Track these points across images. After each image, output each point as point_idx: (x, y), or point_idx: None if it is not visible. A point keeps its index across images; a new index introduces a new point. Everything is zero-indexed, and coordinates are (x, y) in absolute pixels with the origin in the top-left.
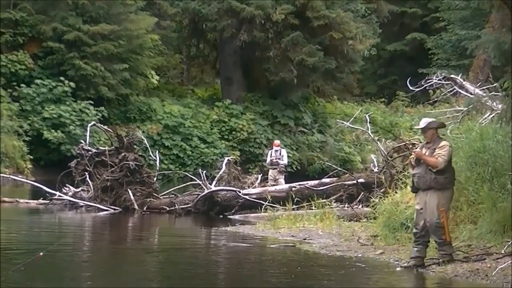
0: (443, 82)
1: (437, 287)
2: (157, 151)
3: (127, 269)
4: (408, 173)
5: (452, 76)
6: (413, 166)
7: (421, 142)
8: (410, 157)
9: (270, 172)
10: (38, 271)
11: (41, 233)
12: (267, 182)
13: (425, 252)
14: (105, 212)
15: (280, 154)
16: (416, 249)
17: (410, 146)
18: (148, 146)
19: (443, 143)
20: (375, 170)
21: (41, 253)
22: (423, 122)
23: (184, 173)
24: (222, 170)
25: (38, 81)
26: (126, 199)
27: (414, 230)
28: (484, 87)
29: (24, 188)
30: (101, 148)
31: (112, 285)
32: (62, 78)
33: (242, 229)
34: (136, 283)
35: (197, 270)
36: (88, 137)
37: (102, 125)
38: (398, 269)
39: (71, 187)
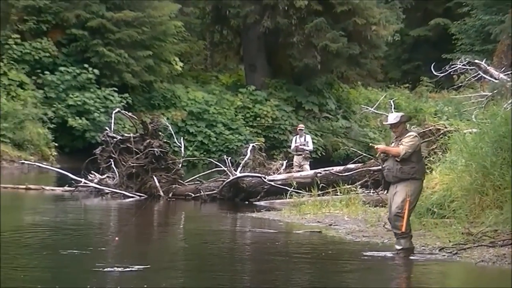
0: (467, 67)
1: (463, 272)
2: (181, 137)
3: (153, 254)
4: (433, 158)
5: (476, 61)
6: (383, 161)
7: (446, 127)
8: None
9: (295, 158)
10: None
11: (67, 219)
12: (292, 168)
13: (411, 243)
14: (131, 199)
15: (305, 140)
16: (403, 241)
17: (435, 131)
18: (172, 132)
19: (409, 133)
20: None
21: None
22: (393, 118)
23: (209, 159)
24: (247, 157)
25: (62, 68)
26: (151, 186)
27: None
28: (509, 72)
29: (49, 175)
30: (126, 135)
31: (140, 268)
32: (86, 65)
33: (267, 215)
34: (162, 266)
35: (222, 255)
36: (112, 124)
37: (126, 112)
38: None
39: (96, 174)
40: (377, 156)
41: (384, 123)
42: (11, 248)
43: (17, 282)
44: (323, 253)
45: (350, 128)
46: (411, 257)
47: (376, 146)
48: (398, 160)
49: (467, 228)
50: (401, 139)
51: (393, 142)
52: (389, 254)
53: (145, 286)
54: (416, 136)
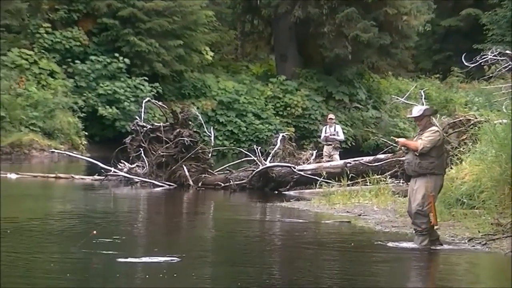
0: (498, 57)
1: (492, 263)
2: (211, 127)
3: (181, 243)
4: (463, 148)
5: (508, 51)
6: (405, 153)
7: (476, 118)
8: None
9: (325, 148)
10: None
11: (96, 208)
12: (322, 158)
13: (435, 232)
14: (160, 188)
15: (335, 130)
16: (421, 238)
17: (465, 121)
18: (202, 122)
19: (431, 128)
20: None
21: (94, 231)
22: (418, 110)
23: (238, 149)
24: (277, 146)
25: (92, 57)
26: (181, 175)
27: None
28: None
29: (79, 164)
30: (156, 124)
31: (166, 257)
32: (116, 55)
33: (297, 205)
34: (191, 256)
35: (251, 244)
36: (142, 113)
37: (156, 101)
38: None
39: (126, 163)
40: (397, 149)
41: (407, 115)
42: (39, 236)
43: (43, 271)
44: (352, 243)
45: (380, 119)
46: (440, 247)
47: (396, 139)
48: (417, 154)
49: (496, 219)
50: (423, 133)
51: (417, 135)
52: (412, 244)
53: (175, 275)
54: (437, 131)
